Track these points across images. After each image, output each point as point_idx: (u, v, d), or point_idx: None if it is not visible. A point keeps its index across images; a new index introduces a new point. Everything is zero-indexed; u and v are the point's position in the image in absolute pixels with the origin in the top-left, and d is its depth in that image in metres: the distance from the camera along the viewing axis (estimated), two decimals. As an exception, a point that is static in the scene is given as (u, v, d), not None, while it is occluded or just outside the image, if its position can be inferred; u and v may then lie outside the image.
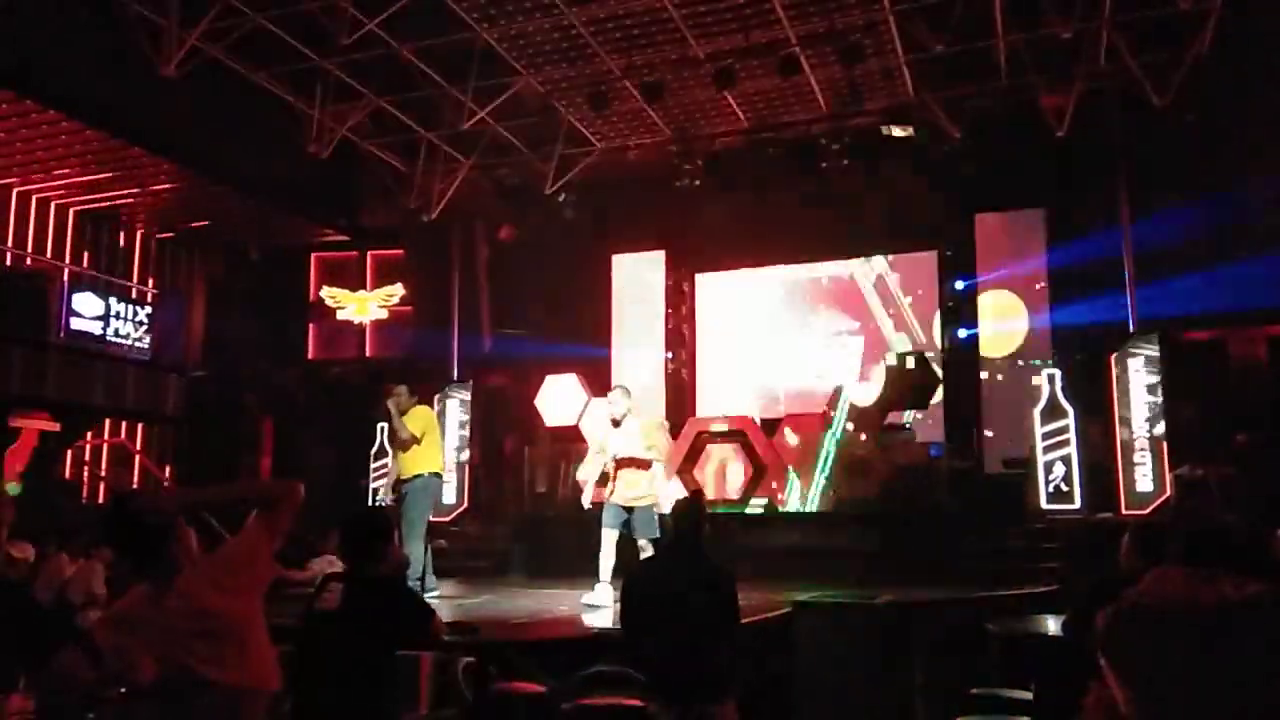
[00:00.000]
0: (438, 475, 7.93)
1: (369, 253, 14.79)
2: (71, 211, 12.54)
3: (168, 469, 13.83)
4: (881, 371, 11.32)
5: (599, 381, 12.19)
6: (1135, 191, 10.89)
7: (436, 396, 12.91)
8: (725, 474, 11.13)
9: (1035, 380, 10.91)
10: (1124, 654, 2.29)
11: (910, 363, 11.02)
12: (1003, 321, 11.81)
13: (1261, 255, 10.06)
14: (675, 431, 11.43)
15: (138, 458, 13.57)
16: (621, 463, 7.24)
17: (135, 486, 12.91)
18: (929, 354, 11.98)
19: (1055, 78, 10.38)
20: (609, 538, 7.15)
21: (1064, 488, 9.99)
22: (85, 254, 12.75)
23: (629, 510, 7.17)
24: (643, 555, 6.97)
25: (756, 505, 10.75)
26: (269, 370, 14.50)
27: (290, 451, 14.22)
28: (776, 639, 5.88)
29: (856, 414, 10.94)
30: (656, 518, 7.10)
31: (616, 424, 7.36)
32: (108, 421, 13.11)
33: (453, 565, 11.01)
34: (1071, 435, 10.04)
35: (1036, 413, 10.31)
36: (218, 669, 2.62)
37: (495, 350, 13.90)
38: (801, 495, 10.71)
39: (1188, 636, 2.19)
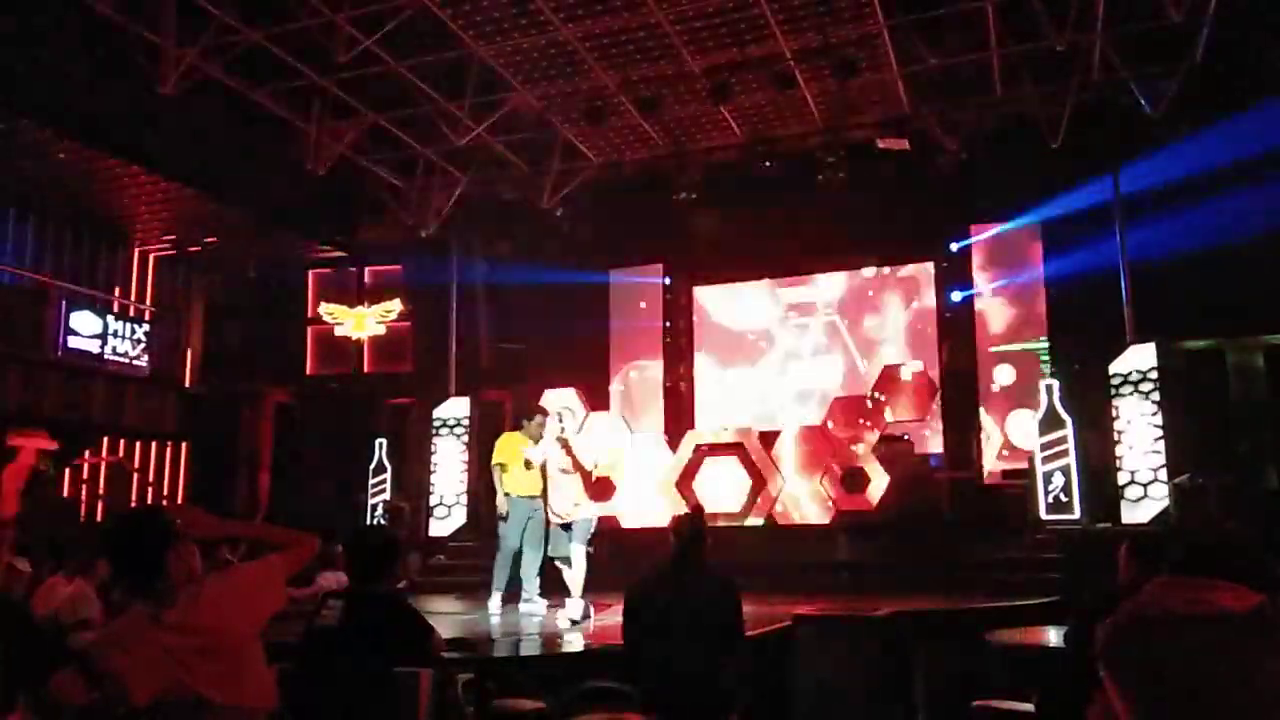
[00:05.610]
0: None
1: (366, 269, 14.82)
2: (69, 229, 12.54)
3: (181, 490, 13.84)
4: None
5: (598, 395, 12.17)
6: (1130, 201, 10.93)
7: (436, 411, 12.91)
8: (724, 487, 11.10)
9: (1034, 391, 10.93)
10: (1123, 666, 2.29)
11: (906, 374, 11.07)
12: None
13: (1257, 264, 10.09)
14: (674, 444, 11.44)
15: (136, 475, 13.54)
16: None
17: (134, 505, 12.88)
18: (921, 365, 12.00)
19: (1049, 89, 10.43)
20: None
21: (1063, 498, 9.96)
22: (83, 272, 12.75)
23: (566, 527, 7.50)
24: (565, 570, 7.38)
25: (756, 518, 10.73)
26: (267, 386, 14.49)
27: (289, 468, 14.20)
28: (776, 652, 5.86)
29: (855, 425, 10.93)
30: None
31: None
32: (106, 439, 13.09)
33: (452, 581, 10.98)
34: (1070, 445, 10.03)
35: (1035, 423, 10.31)
36: (216, 688, 2.61)
37: (493, 365, 13.89)
38: (801, 507, 10.69)
39: (1187, 648, 2.18)
